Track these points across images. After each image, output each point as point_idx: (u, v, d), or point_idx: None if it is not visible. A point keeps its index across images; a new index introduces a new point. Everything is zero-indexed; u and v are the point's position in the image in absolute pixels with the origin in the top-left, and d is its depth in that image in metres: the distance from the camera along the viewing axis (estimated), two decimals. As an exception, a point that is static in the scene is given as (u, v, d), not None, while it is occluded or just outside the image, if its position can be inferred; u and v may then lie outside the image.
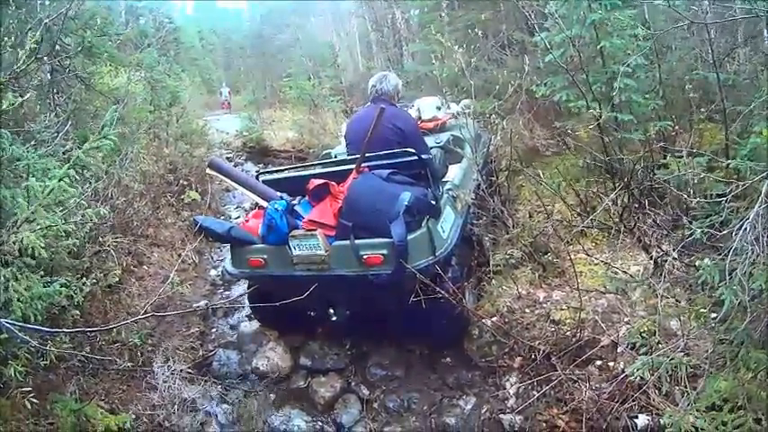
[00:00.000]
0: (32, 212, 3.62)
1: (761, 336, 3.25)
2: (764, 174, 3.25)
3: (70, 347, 4.46)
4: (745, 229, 3.06)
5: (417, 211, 4.75)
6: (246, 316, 6.86)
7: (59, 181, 3.68)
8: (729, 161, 4.19)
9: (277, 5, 30.49)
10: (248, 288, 6.30)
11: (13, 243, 3.56)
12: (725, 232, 3.33)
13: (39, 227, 3.68)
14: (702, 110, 6.23)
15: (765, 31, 6.94)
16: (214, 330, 6.76)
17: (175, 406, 4.85)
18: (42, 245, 3.65)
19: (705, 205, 3.95)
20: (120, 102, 7.43)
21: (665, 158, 5.89)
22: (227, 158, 15.21)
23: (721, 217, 3.55)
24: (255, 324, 6.52)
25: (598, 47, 6.75)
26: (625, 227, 4.95)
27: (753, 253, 3.02)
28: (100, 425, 4.09)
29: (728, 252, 3.11)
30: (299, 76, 19.61)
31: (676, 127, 6.23)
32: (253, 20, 33.82)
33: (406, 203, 4.65)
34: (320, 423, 5.17)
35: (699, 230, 3.61)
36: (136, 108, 8.96)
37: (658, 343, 3.99)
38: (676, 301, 4.27)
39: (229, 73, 35.37)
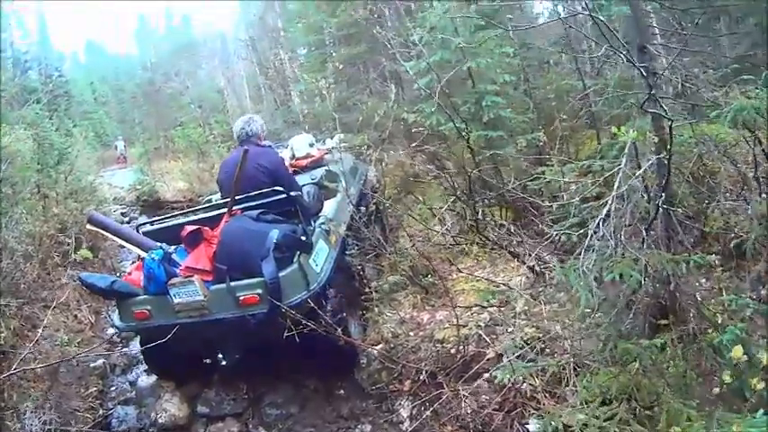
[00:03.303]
0: None
1: (626, 327, 3.37)
2: (616, 169, 3.37)
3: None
4: (598, 225, 3.17)
5: (287, 247, 4.76)
6: (144, 371, 6.63)
7: None
8: (593, 162, 4.35)
9: (166, 51, 30.37)
10: (140, 342, 6.20)
11: None
12: (581, 232, 3.45)
13: None
14: (566, 118, 6.43)
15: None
16: (113, 388, 6.56)
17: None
18: None
19: (572, 209, 4.07)
20: (4, 161, 7.17)
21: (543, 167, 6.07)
22: (122, 213, 15.00)
23: (577, 218, 3.67)
24: (153, 377, 6.32)
25: (465, 68, 6.94)
26: (494, 241, 5.04)
27: (608, 248, 3.13)
28: None
29: (581, 251, 3.21)
30: (189, 123, 19.49)
31: (544, 138, 6.41)
32: (144, 67, 33.46)
33: (275, 241, 4.67)
34: (217, 470, 5.03)
35: (555, 233, 3.72)
36: (21, 167, 8.65)
37: (543, 348, 4.09)
38: (559, 305, 4.38)
39: (124, 125, 34.65)
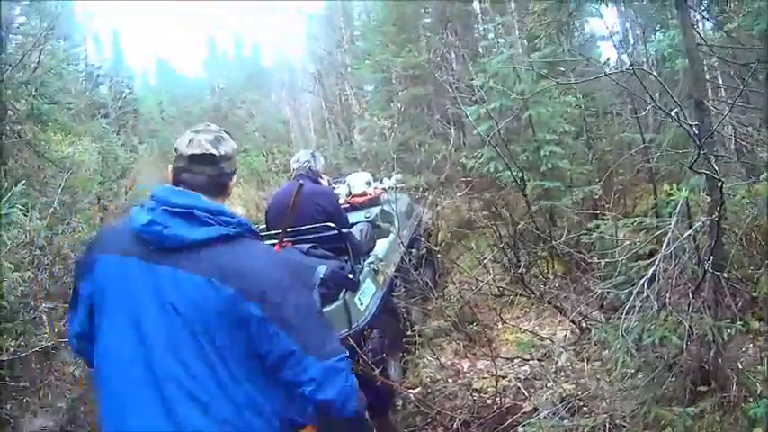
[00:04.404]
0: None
1: (666, 391, 3.28)
2: (666, 228, 3.30)
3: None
4: (643, 285, 3.10)
5: (333, 283, 4.75)
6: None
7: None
8: (645, 220, 4.27)
9: (235, 77, 30.93)
10: None
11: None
12: (626, 291, 3.39)
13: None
14: (623, 172, 6.35)
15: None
16: None
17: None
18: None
19: (622, 267, 3.99)
20: (69, 171, 7.38)
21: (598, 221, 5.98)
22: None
23: (624, 276, 3.61)
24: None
25: (525, 116, 6.94)
26: (540, 295, 4.97)
27: (651, 309, 3.06)
28: None
29: (624, 310, 3.15)
30: (252, 151, 19.80)
31: (600, 191, 6.33)
32: (212, 91, 34.17)
33: (321, 276, 4.65)
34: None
35: (600, 291, 3.66)
36: (83, 178, 8.89)
37: (581, 407, 4.00)
38: (602, 363, 4.29)
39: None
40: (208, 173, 2.20)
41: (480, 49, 11.41)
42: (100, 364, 2.08)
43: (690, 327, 2.90)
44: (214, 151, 2.21)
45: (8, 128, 6.27)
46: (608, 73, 3.80)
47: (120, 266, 2.08)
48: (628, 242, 4.50)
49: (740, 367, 3.36)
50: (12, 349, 4.46)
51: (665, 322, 2.96)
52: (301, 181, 5.29)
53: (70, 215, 6.88)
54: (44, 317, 5.19)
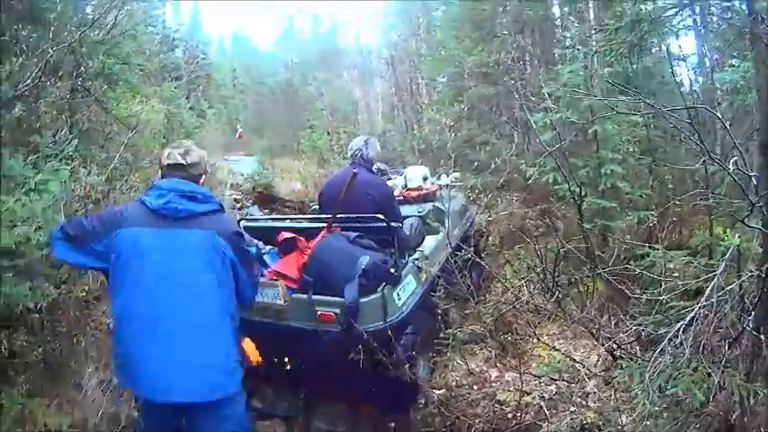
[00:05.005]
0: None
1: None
2: (712, 274, 3.22)
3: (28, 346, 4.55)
4: (679, 329, 3.04)
5: (374, 276, 4.80)
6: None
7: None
8: (693, 261, 4.18)
9: (309, 54, 31.08)
10: None
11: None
12: (661, 332, 3.33)
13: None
14: (680, 203, 6.19)
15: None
16: None
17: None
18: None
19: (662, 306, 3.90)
20: (134, 130, 7.51)
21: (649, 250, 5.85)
22: (235, 200, 15.39)
23: (662, 315, 3.53)
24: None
25: (591, 131, 6.83)
26: (575, 318, 4.89)
27: (682, 356, 2.99)
28: (40, 422, 4.14)
29: (656, 352, 3.09)
30: (318, 129, 19.92)
31: (655, 219, 6.20)
32: (286, 66, 34.39)
33: (363, 267, 4.73)
34: (253, 466, 5.13)
35: (636, 327, 3.60)
36: (147, 138, 9.03)
37: None
38: (630, 396, 4.22)
39: (256, 115, 35.64)
40: (179, 175, 3.50)
41: (555, 56, 11.24)
42: (130, 296, 3.31)
43: (719, 382, 2.81)
44: (182, 161, 3.53)
45: (79, 84, 6.41)
46: (666, 109, 3.68)
47: (141, 233, 3.32)
48: (676, 275, 4.44)
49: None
50: (53, 296, 4.56)
51: (694, 372, 2.87)
52: (356, 170, 5.35)
53: (129, 172, 7.02)
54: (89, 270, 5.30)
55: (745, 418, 3.05)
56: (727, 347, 3.07)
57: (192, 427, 3.44)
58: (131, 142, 6.83)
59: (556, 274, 4.95)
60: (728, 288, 3.02)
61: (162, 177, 3.56)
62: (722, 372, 2.86)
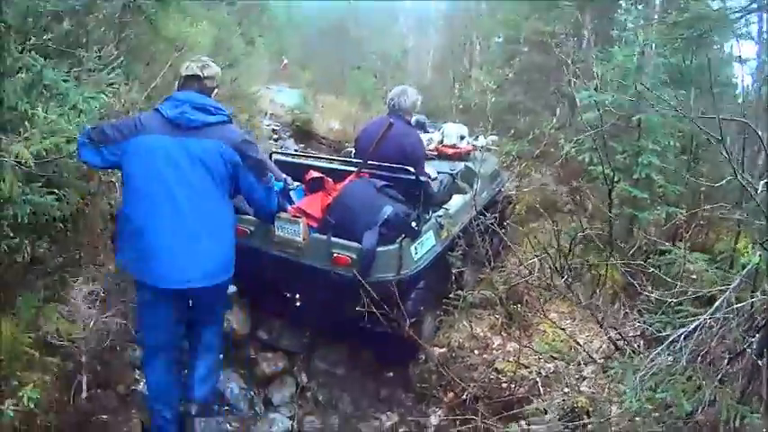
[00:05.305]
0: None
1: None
2: (724, 287, 3.17)
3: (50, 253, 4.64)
4: (681, 336, 3.00)
5: (395, 227, 4.85)
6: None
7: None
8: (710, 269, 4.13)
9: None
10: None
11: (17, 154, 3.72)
12: (664, 334, 3.30)
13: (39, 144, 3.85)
14: (709, 208, 6.09)
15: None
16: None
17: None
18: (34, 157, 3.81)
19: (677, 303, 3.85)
20: (180, 50, 7.47)
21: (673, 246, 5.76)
22: (273, 130, 15.45)
23: (668, 318, 3.50)
24: (233, 288, 6.57)
25: (635, 118, 6.74)
26: (582, 302, 4.85)
27: (678, 363, 2.96)
28: (53, 326, 4.25)
29: (651, 354, 3.07)
30: (366, 70, 19.76)
31: (683, 218, 6.13)
32: (342, 9, 33.89)
33: (385, 217, 4.77)
34: (252, 394, 5.34)
35: (641, 324, 3.58)
36: None
37: (584, 425, 3.97)
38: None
39: (305, 49, 35.29)
40: (194, 87, 3.95)
41: (612, 36, 10.98)
42: (140, 193, 3.74)
43: (709, 396, 2.78)
44: (199, 73, 3.97)
45: (131, 1, 6.37)
46: (700, 117, 3.60)
47: (157, 140, 3.73)
48: (694, 278, 4.40)
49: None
50: (78, 207, 4.66)
51: (687, 381, 2.87)
52: (392, 120, 5.36)
53: (169, 91, 7.03)
54: (116, 183, 5.37)
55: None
56: (726, 363, 3.04)
57: (193, 307, 4.09)
58: (176, 62, 6.81)
59: (570, 255, 4.91)
60: (738, 306, 2.97)
61: (179, 88, 4.02)
62: (715, 386, 2.83)
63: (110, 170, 4.84)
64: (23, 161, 3.63)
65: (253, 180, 4.00)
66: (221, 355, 4.51)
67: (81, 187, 4.82)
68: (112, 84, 5.14)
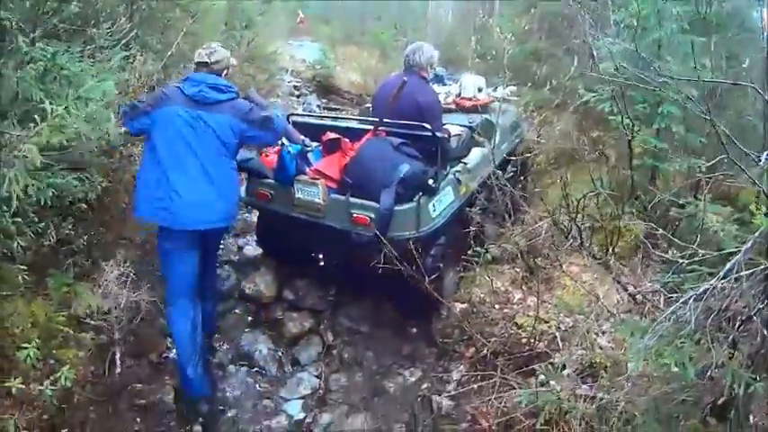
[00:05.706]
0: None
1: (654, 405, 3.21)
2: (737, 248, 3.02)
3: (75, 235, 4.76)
4: (690, 298, 2.87)
5: (412, 184, 4.90)
6: (255, 240, 7.11)
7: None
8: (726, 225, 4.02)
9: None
10: (258, 217, 6.73)
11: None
12: (672, 297, 3.23)
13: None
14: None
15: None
16: (222, 248, 6.85)
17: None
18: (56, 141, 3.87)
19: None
20: (194, 16, 7.40)
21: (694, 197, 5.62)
22: (294, 87, 15.45)
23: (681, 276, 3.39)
24: (259, 251, 6.79)
25: (654, 67, 6.61)
26: (593, 255, 4.79)
27: (687, 325, 2.78)
28: (83, 303, 4.44)
29: (663, 316, 2.96)
30: (387, 22, 19.55)
31: (704, 168, 6.03)
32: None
33: (402, 175, 4.79)
34: (280, 354, 5.51)
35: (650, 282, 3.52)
36: (207, 24, 8.88)
37: (598, 380, 3.96)
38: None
39: (325, 2, 34.84)
40: (205, 71, 4.65)
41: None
42: (161, 151, 4.45)
43: (715, 362, 2.71)
44: (207, 60, 4.66)
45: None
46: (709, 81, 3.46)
47: (179, 110, 4.45)
48: (714, 231, 4.30)
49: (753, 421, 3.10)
50: (102, 185, 4.80)
51: (693, 346, 2.80)
52: (406, 78, 5.35)
53: (186, 60, 6.98)
54: (137, 157, 5.44)
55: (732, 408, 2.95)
56: (735, 328, 2.92)
57: (204, 243, 4.76)
58: (191, 30, 6.78)
59: (582, 211, 4.85)
60: (749, 272, 2.84)
61: (195, 71, 4.73)
62: (723, 349, 2.76)
63: (129, 145, 5.42)
64: (32, 160, 3.62)
65: (258, 130, 4.68)
66: None
67: (103, 165, 4.96)
68: (127, 58, 5.33)
